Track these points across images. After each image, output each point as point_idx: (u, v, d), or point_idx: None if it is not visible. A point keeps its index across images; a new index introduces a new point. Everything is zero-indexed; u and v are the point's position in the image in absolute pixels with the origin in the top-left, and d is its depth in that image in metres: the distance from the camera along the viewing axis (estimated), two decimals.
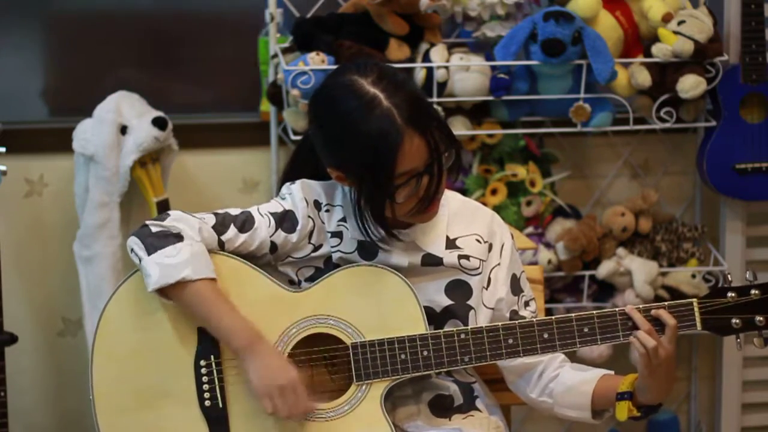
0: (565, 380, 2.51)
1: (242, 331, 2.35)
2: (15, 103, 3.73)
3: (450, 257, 2.46)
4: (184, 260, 2.34)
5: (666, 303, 2.43)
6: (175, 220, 2.40)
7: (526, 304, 2.55)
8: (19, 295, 3.65)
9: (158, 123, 3.46)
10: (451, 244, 2.48)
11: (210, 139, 3.75)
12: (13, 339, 3.31)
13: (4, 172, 3.19)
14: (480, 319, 2.48)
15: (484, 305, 2.49)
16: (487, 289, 2.50)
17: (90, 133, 3.47)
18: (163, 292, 2.36)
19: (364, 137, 2.30)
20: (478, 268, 2.48)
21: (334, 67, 3.29)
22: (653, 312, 2.42)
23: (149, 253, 2.35)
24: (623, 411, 2.44)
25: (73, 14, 3.80)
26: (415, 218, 2.41)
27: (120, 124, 3.47)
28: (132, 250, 2.39)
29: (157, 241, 2.36)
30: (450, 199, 2.52)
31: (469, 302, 2.47)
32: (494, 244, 2.51)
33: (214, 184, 3.74)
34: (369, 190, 2.35)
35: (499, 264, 2.51)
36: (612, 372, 2.52)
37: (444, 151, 2.35)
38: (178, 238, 2.36)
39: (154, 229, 2.38)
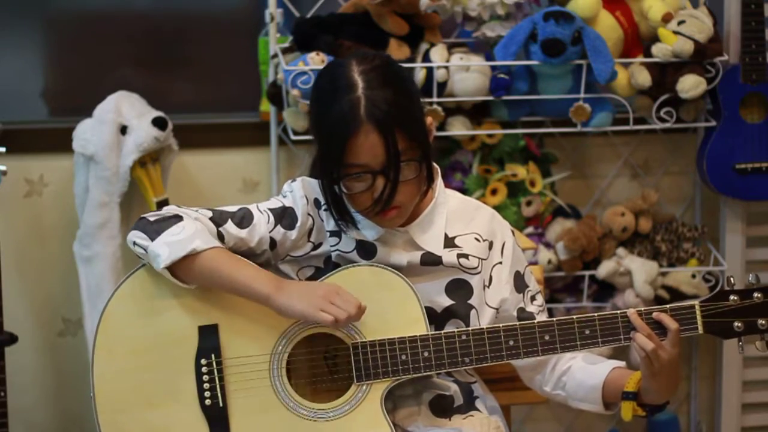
0: (576, 374, 2.52)
1: (265, 279, 2.35)
2: (15, 103, 3.73)
3: (449, 256, 2.46)
4: (190, 235, 2.35)
5: (668, 306, 2.43)
6: (171, 210, 2.42)
7: (533, 298, 2.55)
8: (19, 295, 3.65)
9: (158, 123, 3.46)
10: (449, 242, 2.48)
11: (210, 139, 3.75)
12: (13, 339, 3.32)
13: (4, 172, 3.19)
14: (482, 318, 2.48)
15: (487, 304, 2.49)
16: (488, 287, 2.50)
17: (90, 133, 3.47)
18: (175, 273, 2.37)
19: (326, 116, 2.34)
20: (477, 266, 2.48)
21: None
22: (654, 315, 2.42)
23: (153, 239, 2.36)
24: (628, 411, 2.45)
25: (73, 14, 3.80)
26: (374, 219, 2.42)
27: (120, 124, 3.47)
28: (135, 243, 2.39)
29: (158, 226, 2.37)
30: (449, 197, 2.52)
31: (470, 301, 2.47)
32: (495, 242, 2.52)
33: (214, 184, 3.74)
34: (319, 171, 2.39)
35: (500, 262, 2.51)
36: (623, 363, 2.52)
37: (407, 160, 2.34)
38: (178, 218, 2.38)
39: (152, 219, 2.39)
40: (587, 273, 3.73)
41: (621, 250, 3.74)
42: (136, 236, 2.39)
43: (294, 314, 2.35)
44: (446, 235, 2.48)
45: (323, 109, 2.35)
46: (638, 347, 2.38)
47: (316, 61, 3.38)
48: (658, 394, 2.42)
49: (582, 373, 2.51)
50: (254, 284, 2.35)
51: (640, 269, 3.70)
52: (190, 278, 2.38)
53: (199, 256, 2.35)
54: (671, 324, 2.40)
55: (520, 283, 2.54)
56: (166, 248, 2.35)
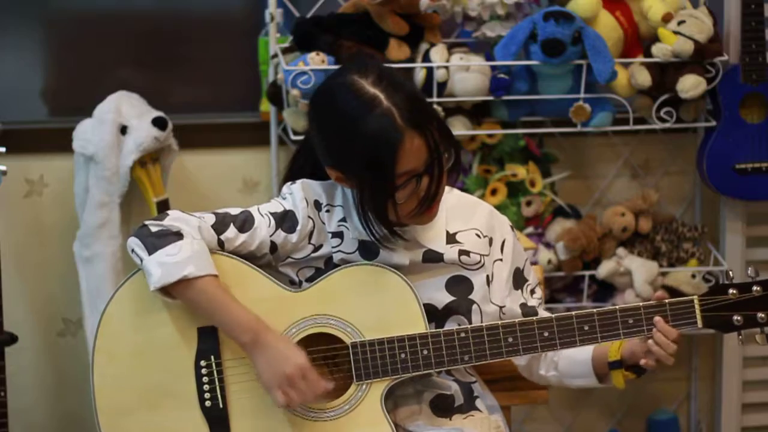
0: (566, 352, 2.55)
1: (247, 325, 2.35)
2: (15, 103, 3.73)
3: (450, 252, 2.47)
4: (185, 258, 2.34)
5: (666, 300, 2.44)
6: (174, 219, 2.40)
7: (532, 292, 2.57)
8: (19, 295, 3.65)
9: (158, 123, 3.46)
10: (451, 239, 2.48)
11: (210, 139, 3.75)
12: (13, 339, 3.31)
13: (4, 172, 3.19)
14: (484, 313, 2.48)
15: (490, 300, 2.49)
16: (490, 284, 2.50)
17: (90, 133, 3.47)
18: (166, 290, 2.37)
19: (364, 137, 2.30)
20: (480, 261, 2.48)
21: (334, 67, 3.30)
22: (655, 320, 2.43)
23: (150, 253, 2.35)
24: (619, 379, 2.50)
25: (73, 14, 3.80)
26: (416, 220, 2.41)
27: (120, 124, 3.47)
28: (133, 250, 2.39)
29: (157, 241, 2.36)
30: (447, 194, 2.52)
31: (470, 297, 2.47)
32: (494, 238, 2.52)
33: (214, 184, 3.74)
34: (370, 191, 2.35)
35: (501, 259, 2.52)
36: None
37: (444, 152, 2.35)
38: (178, 236, 2.36)
39: (153, 229, 2.38)
40: (587, 273, 3.73)
41: (621, 250, 3.74)
42: (135, 244, 2.38)
43: (258, 374, 2.36)
44: (447, 232, 2.49)
45: (352, 133, 2.31)
46: (655, 354, 2.41)
47: (316, 61, 3.38)
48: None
49: (571, 349, 2.53)
50: (234, 329, 2.36)
51: (640, 269, 3.70)
52: (180, 299, 2.39)
53: (189, 283, 2.35)
54: (671, 332, 2.42)
55: (519, 279, 2.55)
56: (159, 269, 2.34)
